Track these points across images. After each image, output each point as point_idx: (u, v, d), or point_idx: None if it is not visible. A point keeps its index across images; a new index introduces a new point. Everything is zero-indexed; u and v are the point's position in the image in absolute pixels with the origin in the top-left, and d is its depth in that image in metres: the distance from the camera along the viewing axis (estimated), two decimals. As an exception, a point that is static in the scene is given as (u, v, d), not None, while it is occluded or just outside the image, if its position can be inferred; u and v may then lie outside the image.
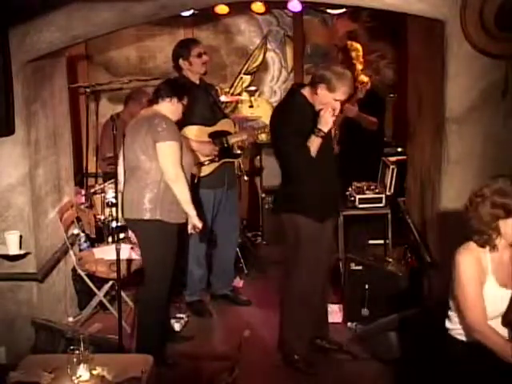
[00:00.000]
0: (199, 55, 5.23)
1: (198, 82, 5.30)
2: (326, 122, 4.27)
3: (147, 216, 4.34)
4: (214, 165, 5.26)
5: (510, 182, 3.12)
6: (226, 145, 5.30)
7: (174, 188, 4.31)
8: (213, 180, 5.26)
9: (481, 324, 3.09)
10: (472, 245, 3.15)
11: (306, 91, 4.39)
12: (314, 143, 4.28)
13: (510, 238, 3.13)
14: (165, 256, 4.41)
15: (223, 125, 5.35)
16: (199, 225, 4.43)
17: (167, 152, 4.28)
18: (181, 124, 4.72)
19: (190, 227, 4.49)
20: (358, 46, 6.11)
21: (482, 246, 3.14)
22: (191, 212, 4.38)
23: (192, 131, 5.15)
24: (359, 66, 5.98)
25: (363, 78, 6.00)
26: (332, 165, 4.47)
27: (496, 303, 3.13)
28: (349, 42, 6.17)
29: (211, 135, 5.27)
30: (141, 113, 4.55)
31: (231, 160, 5.42)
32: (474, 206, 3.14)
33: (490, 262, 3.14)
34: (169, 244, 4.40)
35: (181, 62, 5.25)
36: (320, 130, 4.26)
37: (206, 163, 5.22)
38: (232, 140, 5.35)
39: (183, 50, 5.25)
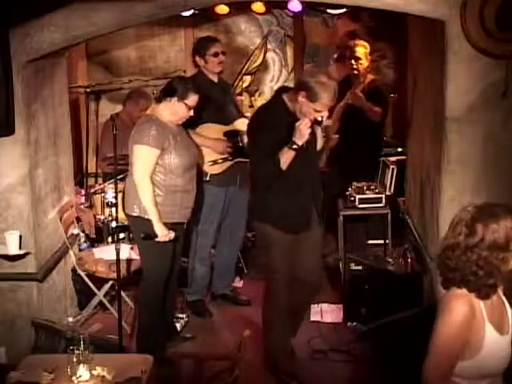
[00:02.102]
0: (215, 54, 5.23)
1: (215, 79, 5.31)
2: (302, 135, 3.97)
3: (135, 212, 4.40)
4: (227, 163, 5.26)
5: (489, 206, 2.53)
6: (240, 144, 5.30)
7: (138, 190, 4.34)
8: (225, 178, 5.26)
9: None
10: (463, 292, 2.49)
11: (288, 96, 4.18)
12: (286, 155, 4.03)
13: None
14: (158, 253, 4.42)
15: (239, 124, 5.34)
16: (159, 233, 4.34)
17: (135, 155, 4.35)
18: (195, 122, 4.81)
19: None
20: (365, 42, 6.15)
21: (477, 291, 2.48)
22: (153, 218, 4.33)
23: (207, 129, 5.16)
24: (365, 63, 6.00)
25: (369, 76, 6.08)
26: (311, 177, 4.28)
27: (500, 355, 2.53)
28: (357, 40, 6.22)
29: (226, 134, 5.28)
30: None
31: (245, 160, 5.39)
32: (463, 248, 2.48)
33: (483, 308, 2.51)
34: (160, 242, 4.39)
35: (197, 58, 5.27)
36: (294, 142, 3.99)
37: (220, 161, 5.22)
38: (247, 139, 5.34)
39: (201, 47, 5.27)
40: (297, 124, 4.01)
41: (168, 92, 4.39)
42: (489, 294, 2.50)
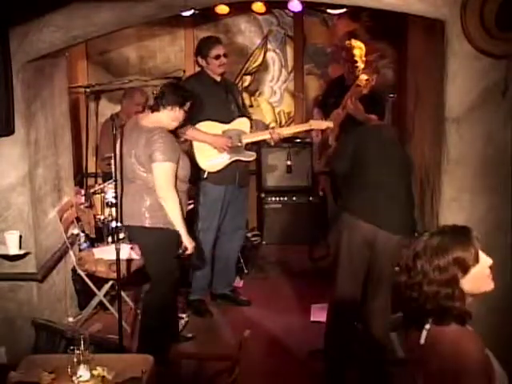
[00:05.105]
0: (217, 57, 5.24)
1: (218, 79, 5.32)
2: None
3: (148, 223, 4.36)
4: (226, 162, 5.26)
5: (435, 235, 2.29)
6: (239, 143, 5.30)
7: (165, 206, 4.31)
8: (223, 177, 5.26)
9: None
10: (458, 327, 2.22)
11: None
12: None
13: (478, 291, 2.29)
14: (168, 261, 4.41)
15: (239, 124, 5.34)
16: (189, 245, 4.36)
17: (161, 173, 4.29)
18: (195, 119, 4.87)
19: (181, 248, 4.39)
20: (361, 44, 6.10)
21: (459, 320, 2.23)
22: (181, 231, 4.34)
23: (205, 127, 5.17)
24: (361, 65, 5.95)
25: (363, 76, 5.99)
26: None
27: None
28: (352, 40, 6.16)
29: (226, 133, 5.27)
30: (141, 119, 4.47)
31: (243, 159, 5.38)
32: (417, 288, 2.25)
33: None
34: (171, 249, 4.38)
35: (199, 59, 5.30)
36: None
37: (216, 160, 5.22)
38: (246, 139, 5.33)
39: (203, 48, 5.29)
40: None
41: (168, 101, 4.35)
42: (465, 319, 2.24)
